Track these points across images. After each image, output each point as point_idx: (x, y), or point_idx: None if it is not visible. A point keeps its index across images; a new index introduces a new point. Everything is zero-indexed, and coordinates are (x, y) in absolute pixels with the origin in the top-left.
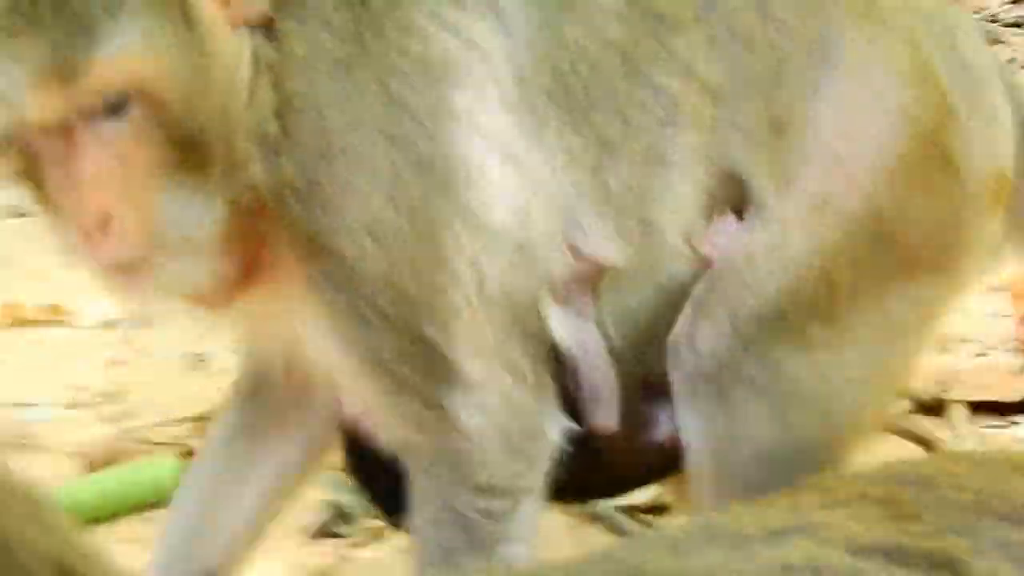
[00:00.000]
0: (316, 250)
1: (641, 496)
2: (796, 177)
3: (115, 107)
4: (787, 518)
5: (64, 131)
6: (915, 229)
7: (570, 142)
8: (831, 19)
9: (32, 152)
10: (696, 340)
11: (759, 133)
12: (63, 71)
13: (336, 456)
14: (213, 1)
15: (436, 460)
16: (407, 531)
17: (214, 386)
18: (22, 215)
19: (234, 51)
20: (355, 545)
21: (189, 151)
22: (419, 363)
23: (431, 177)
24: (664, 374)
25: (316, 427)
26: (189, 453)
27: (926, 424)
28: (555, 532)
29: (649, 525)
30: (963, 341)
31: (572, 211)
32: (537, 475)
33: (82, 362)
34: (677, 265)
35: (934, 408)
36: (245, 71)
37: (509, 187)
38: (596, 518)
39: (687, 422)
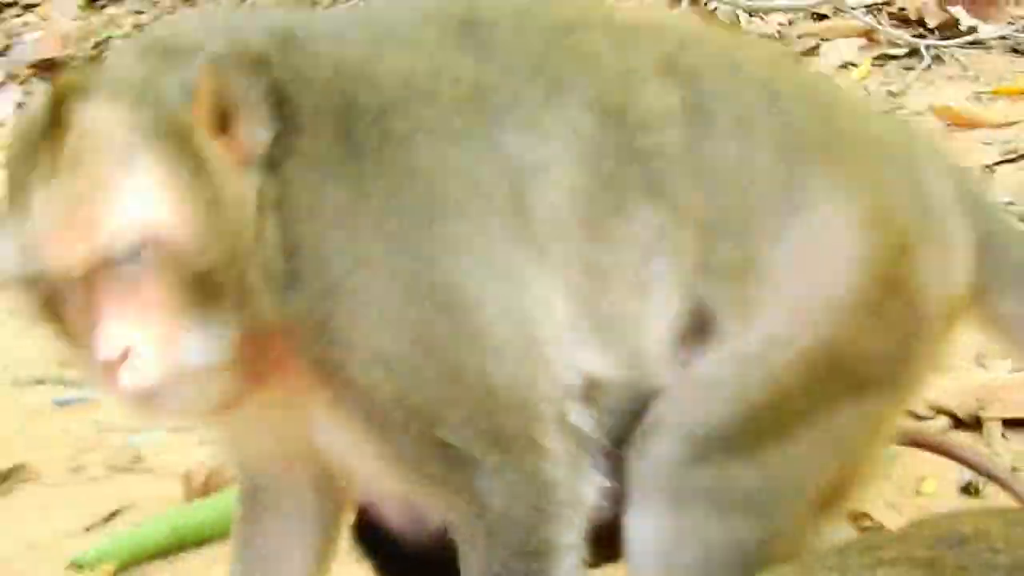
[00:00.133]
0: (328, 377)
1: None
2: (757, 315)
3: (131, 253)
4: None
5: (83, 275)
6: (867, 355)
7: (567, 269)
8: (799, 163)
9: (53, 293)
10: (650, 452)
11: (730, 270)
12: (81, 226)
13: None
14: (220, 143)
15: (472, 531)
16: None
17: None
18: None
19: (241, 191)
20: None
21: (202, 287)
22: (440, 461)
23: (433, 305)
24: None
25: (327, 512)
26: None
27: (964, 439)
28: None
29: None
30: (1001, 358)
31: (572, 331)
32: (574, 534)
33: None
34: (655, 382)
35: (971, 425)
36: (252, 210)
37: (512, 309)
38: None
39: (635, 524)
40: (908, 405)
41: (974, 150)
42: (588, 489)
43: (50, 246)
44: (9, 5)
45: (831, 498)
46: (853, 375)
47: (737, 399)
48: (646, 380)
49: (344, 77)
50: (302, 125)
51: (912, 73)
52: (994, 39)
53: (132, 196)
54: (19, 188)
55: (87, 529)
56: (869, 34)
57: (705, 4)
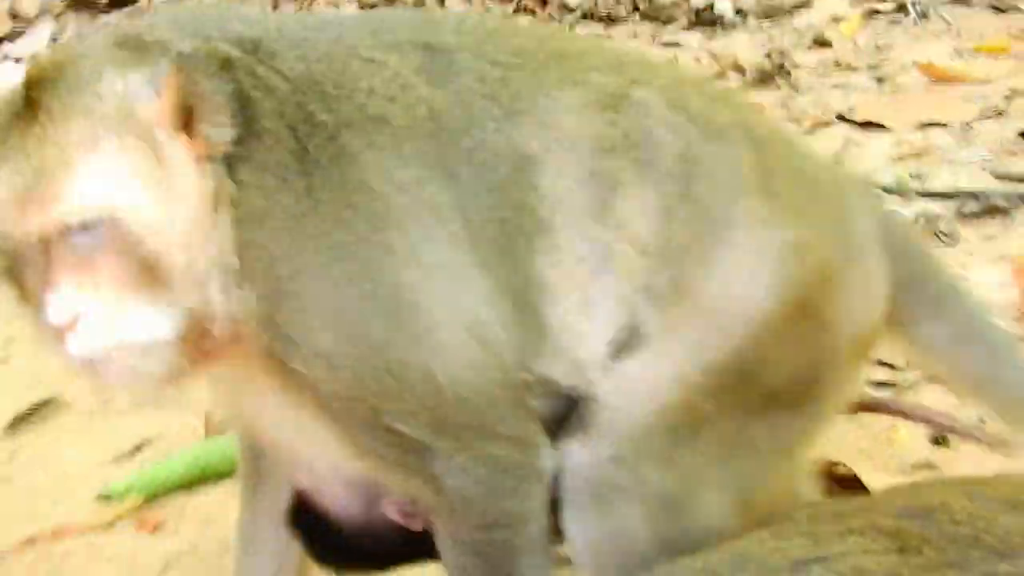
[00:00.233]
0: (275, 367)
1: None
2: (682, 330)
3: (87, 226)
4: (808, 549)
5: (42, 241)
6: (776, 373)
7: (512, 281)
8: (733, 198)
9: (15, 256)
10: (576, 454)
11: (667, 292)
12: (43, 197)
13: None
14: (180, 137)
15: (435, 507)
16: None
17: None
18: None
19: (198, 186)
20: None
21: (152, 268)
22: (392, 447)
23: (376, 308)
24: None
25: None
26: None
27: (936, 393)
28: None
29: None
30: None
31: (518, 338)
32: (534, 504)
33: None
34: (589, 388)
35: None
36: (207, 205)
37: (456, 311)
38: None
39: (570, 523)
40: (819, 429)
41: (955, 106)
42: (542, 462)
43: (12, 212)
44: None
45: (759, 500)
46: (761, 390)
47: (655, 405)
48: (582, 386)
49: (305, 91)
50: (261, 131)
51: (899, 28)
52: None
53: (93, 175)
54: None
55: (115, 460)
56: None
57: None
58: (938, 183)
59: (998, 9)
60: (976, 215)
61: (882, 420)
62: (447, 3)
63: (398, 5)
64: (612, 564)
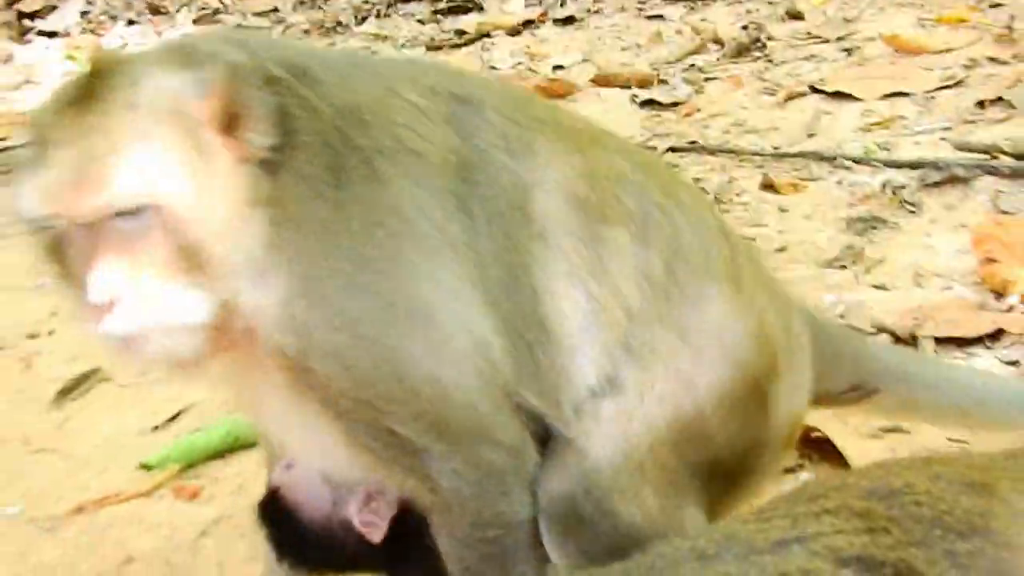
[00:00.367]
0: (288, 361)
1: None
2: (652, 383)
3: (132, 212)
4: (787, 529)
5: (89, 223)
6: (726, 444)
7: (513, 318)
8: (709, 281)
9: (60, 236)
10: (552, 480)
11: (643, 351)
12: (95, 181)
13: None
14: (222, 138)
15: (431, 505)
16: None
17: None
18: None
19: (238, 184)
20: None
21: (190, 256)
22: (391, 447)
23: (391, 318)
24: None
25: None
26: None
27: None
28: None
29: None
30: (936, 275)
31: (514, 367)
32: (521, 507)
33: None
34: (564, 425)
35: (907, 341)
36: (245, 203)
37: (462, 330)
38: None
39: (546, 540)
40: (745, 496)
41: (917, 76)
42: (532, 470)
43: (65, 194)
44: None
45: None
46: (710, 454)
47: (625, 447)
48: (561, 421)
49: (345, 116)
50: (300, 145)
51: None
52: None
53: (142, 164)
54: (46, 141)
55: (154, 429)
56: None
57: None
58: (903, 153)
59: None
60: (938, 184)
61: None
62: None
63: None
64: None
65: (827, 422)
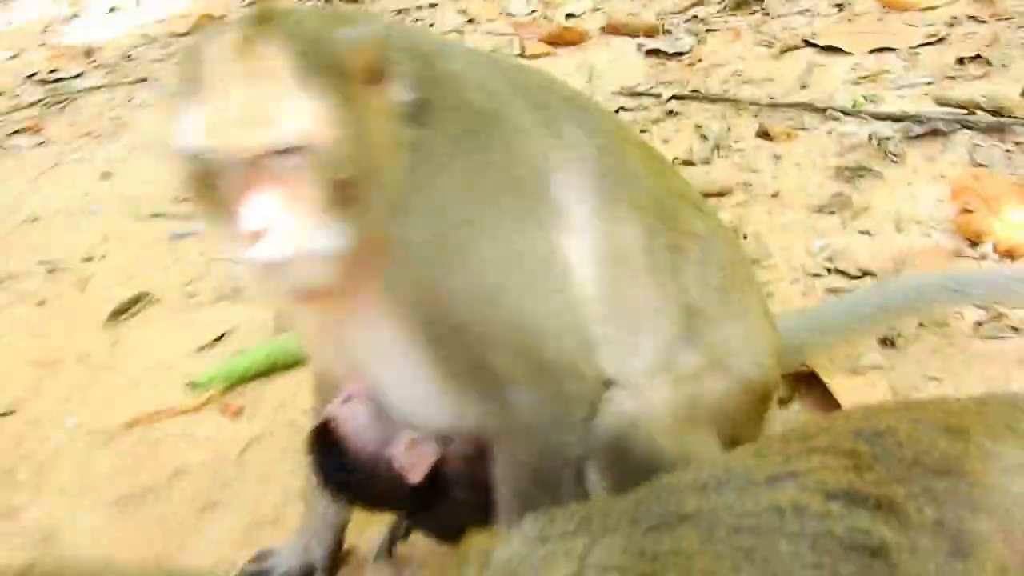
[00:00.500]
0: (418, 297)
1: None
2: (696, 369)
3: (290, 150)
4: (781, 465)
5: (249, 159)
6: (737, 431)
7: (596, 287)
8: (750, 296)
9: (219, 169)
10: (605, 421)
11: (693, 342)
12: (259, 120)
13: None
14: (372, 89)
15: (502, 432)
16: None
17: None
18: None
19: (383, 130)
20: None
21: (340, 193)
22: (481, 379)
23: (512, 263)
24: None
25: None
26: None
27: None
28: None
29: None
30: (916, 223)
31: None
32: (580, 441)
33: None
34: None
35: None
36: (389, 147)
37: (565, 284)
38: None
39: (592, 472)
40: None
41: (902, 32)
42: (597, 407)
43: (230, 130)
44: None
45: None
46: (729, 425)
47: (670, 408)
48: (621, 380)
49: (468, 94)
50: (436, 106)
51: None
52: None
53: (304, 106)
54: (212, 79)
55: (199, 350)
56: None
57: None
58: (888, 106)
59: None
60: (920, 137)
61: None
62: None
63: None
64: None
65: (813, 359)
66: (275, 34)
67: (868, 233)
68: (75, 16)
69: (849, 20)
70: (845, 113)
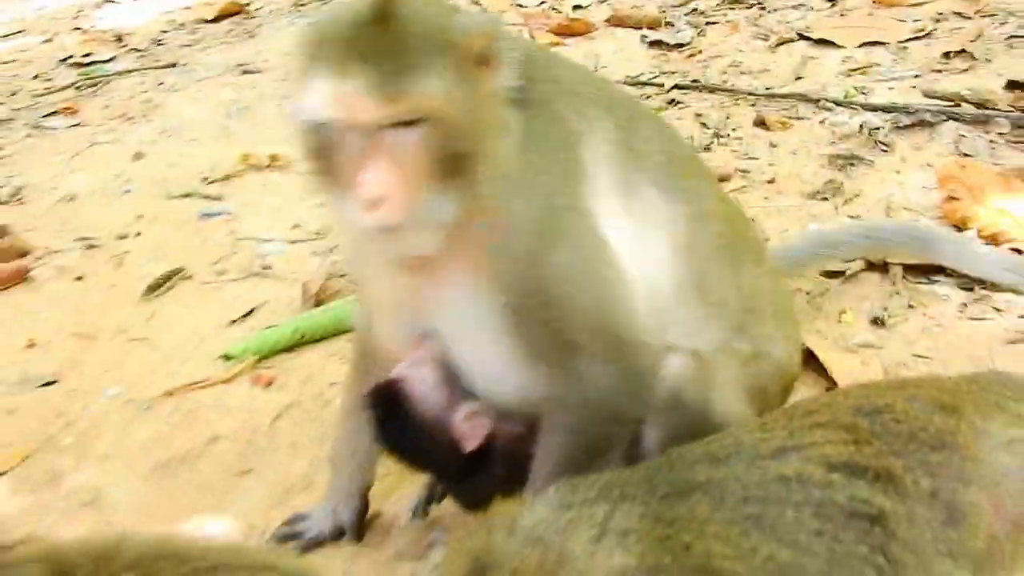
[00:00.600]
0: (517, 270)
1: None
2: (740, 352)
3: (410, 124)
4: (786, 439)
5: (370, 131)
6: (765, 396)
7: (673, 276)
8: (764, 314)
9: (341, 138)
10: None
11: (739, 332)
12: (384, 94)
13: None
14: (483, 72)
15: (565, 399)
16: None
17: None
18: (252, 72)
19: (492, 110)
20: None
21: (451, 166)
22: (555, 348)
23: (597, 244)
24: None
25: None
26: None
27: (875, 278)
28: None
29: None
30: (905, 209)
31: (664, 320)
32: (641, 408)
33: (297, 203)
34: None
35: (880, 268)
36: (496, 127)
37: (643, 269)
38: None
39: (650, 425)
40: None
41: (891, 27)
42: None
43: (358, 102)
44: None
45: None
46: (761, 404)
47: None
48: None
49: (559, 90)
50: (537, 95)
51: None
52: None
53: (426, 83)
54: (339, 56)
55: (231, 324)
56: None
57: None
58: (878, 97)
59: None
60: (908, 127)
61: (834, 304)
62: None
63: None
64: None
65: (809, 337)
66: (403, 17)
67: (859, 218)
68: (106, 2)
69: (841, 15)
70: (837, 103)
